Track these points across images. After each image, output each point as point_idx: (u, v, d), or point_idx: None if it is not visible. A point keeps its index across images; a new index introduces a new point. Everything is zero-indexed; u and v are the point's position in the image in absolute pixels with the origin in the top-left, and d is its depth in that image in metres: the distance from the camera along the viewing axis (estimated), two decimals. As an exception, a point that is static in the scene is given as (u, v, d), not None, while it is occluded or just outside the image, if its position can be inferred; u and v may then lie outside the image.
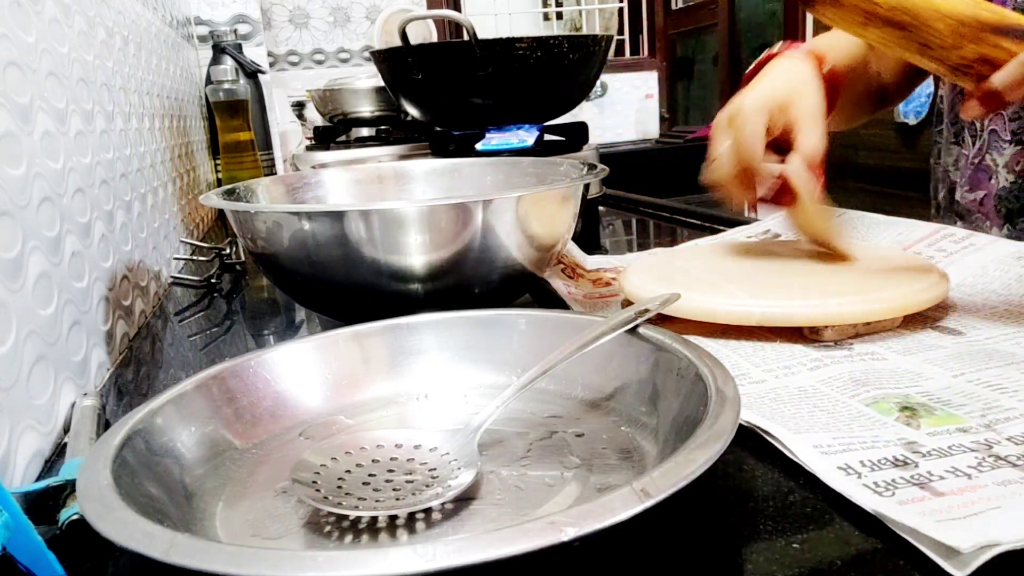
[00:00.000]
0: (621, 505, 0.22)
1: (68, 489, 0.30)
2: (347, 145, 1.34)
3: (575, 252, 0.67)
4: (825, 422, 0.34)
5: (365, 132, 1.42)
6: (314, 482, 0.29)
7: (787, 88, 0.56)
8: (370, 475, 0.31)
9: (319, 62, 2.40)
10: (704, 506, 0.30)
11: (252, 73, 1.43)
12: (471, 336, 0.41)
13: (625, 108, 3.10)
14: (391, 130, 1.33)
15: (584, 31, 3.33)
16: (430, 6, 2.53)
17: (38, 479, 0.37)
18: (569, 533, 0.21)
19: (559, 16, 3.52)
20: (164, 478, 0.30)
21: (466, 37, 0.89)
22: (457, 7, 2.79)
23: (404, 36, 0.93)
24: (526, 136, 0.93)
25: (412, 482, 0.30)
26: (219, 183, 1.27)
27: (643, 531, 0.26)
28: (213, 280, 0.77)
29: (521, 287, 0.55)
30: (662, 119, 3.17)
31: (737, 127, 0.54)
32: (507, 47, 0.88)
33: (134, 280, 0.64)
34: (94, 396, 0.43)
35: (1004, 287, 0.51)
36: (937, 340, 0.44)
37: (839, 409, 0.36)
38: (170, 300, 0.74)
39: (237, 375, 0.37)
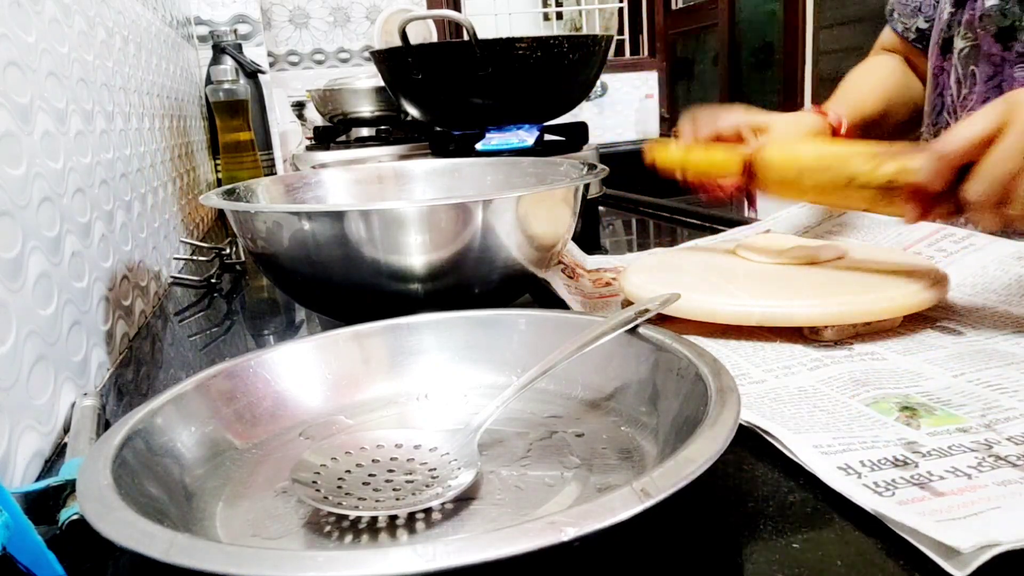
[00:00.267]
0: (621, 505, 0.22)
1: (68, 489, 0.30)
2: (347, 145, 1.34)
3: (575, 252, 0.67)
4: (825, 422, 0.34)
5: (365, 132, 1.42)
6: (314, 482, 0.29)
7: (771, 118, 0.62)
8: (370, 475, 0.31)
9: (319, 62, 2.40)
10: (704, 506, 0.30)
11: (252, 73, 1.43)
12: (471, 336, 0.41)
13: (625, 108, 3.10)
14: (391, 130, 1.33)
15: (584, 31, 3.33)
16: (430, 6, 2.53)
17: (38, 479, 0.37)
18: (569, 533, 0.21)
19: (559, 16, 3.52)
20: (164, 478, 0.30)
21: (466, 37, 0.89)
22: (457, 7, 2.79)
23: (404, 36, 0.93)
24: (526, 136, 0.93)
25: (412, 482, 0.30)
26: (219, 183, 1.27)
27: (643, 531, 0.26)
28: (213, 280, 0.77)
29: (521, 287, 0.55)
30: (662, 119, 3.17)
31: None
32: (507, 47, 0.88)
33: (134, 280, 0.64)
34: (94, 396, 0.43)
35: (1004, 287, 0.51)
36: (937, 340, 0.44)
37: (839, 409, 0.36)
38: (170, 300, 0.74)
39: (237, 375, 0.37)
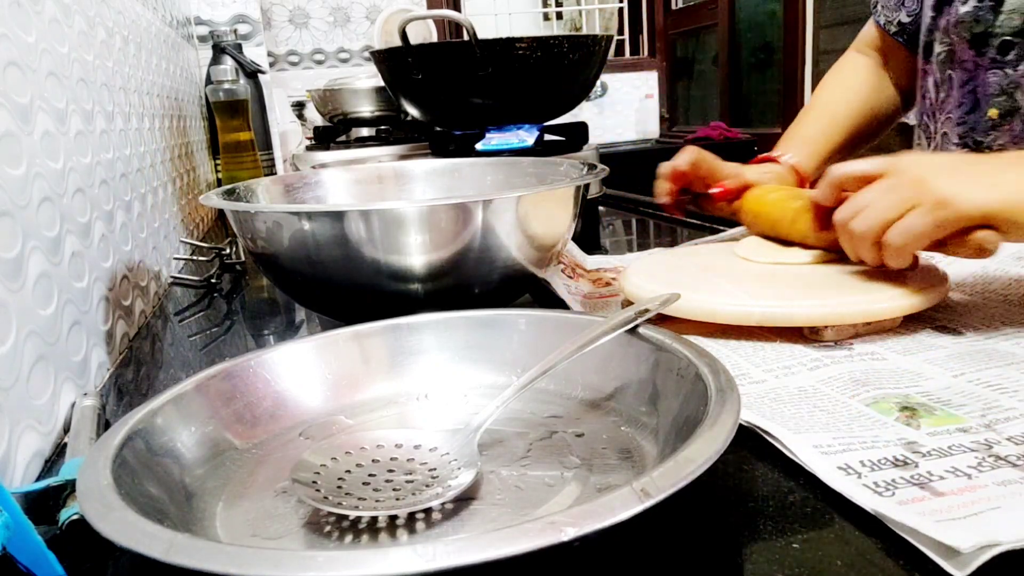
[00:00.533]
0: (621, 505, 0.22)
1: (68, 489, 0.30)
2: (347, 145, 1.34)
3: (575, 252, 0.67)
4: (825, 422, 0.34)
5: (365, 132, 1.42)
6: (314, 482, 0.29)
7: (739, 168, 0.67)
8: (370, 475, 0.31)
9: (319, 62, 2.40)
10: (704, 506, 0.30)
11: (252, 73, 1.43)
12: (471, 336, 0.41)
13: (625, 108, 3.10)
14: (391, 130, 1.33)
15: (584, 31, 3.33)
16: (430, 6, 2.53)
17: (38, 479, 0.37)
18: (569, 533, 0.21)
19: (559, 16, 3.52)
20: (164, 478, 0.30)
21: (466, 37, 0.89)
22: (457, 7, 2.79)
23: (404, 36, 0.93)
24: (526, 136, 0.93)
25: (412, 482, 0.30)
26: (219, 183, 1.27)
27: (643, 531, 0.26)
28: (213, 280, 0.77)
29: (521, 287, 0.55)
30: (662, 119, 3.17)
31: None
32: (507, 47, 0.88)
33: (134, 280, 0.64)
34: (94, 396, 0.43)
35: (1004, 287, 0.51)
36: (937, 340, 0.44)
37: (839, 409, 0.36)
38: (170, 300, 0.74)
39: (237, 375, 0.37)
